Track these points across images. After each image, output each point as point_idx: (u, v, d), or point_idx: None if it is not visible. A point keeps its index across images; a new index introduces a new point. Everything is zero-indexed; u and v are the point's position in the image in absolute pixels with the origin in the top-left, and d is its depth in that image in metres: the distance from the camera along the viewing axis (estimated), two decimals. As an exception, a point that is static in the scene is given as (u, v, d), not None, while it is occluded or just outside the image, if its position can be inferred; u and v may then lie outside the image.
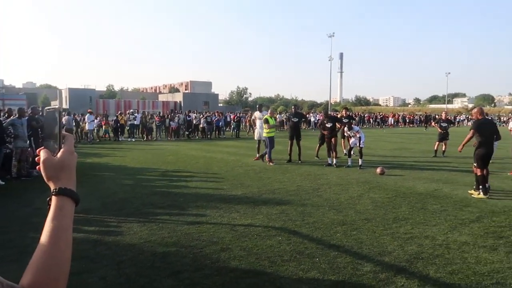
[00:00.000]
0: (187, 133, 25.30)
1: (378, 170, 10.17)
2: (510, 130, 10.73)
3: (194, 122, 25.51)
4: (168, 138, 23.89)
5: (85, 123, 22.20)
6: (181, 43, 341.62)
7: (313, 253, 4.57)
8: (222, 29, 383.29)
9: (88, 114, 22.56)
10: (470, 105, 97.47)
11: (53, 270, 0.84)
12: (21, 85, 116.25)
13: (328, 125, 12.01)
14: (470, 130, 7.76)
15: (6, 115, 10.85)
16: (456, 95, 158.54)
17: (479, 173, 7.62)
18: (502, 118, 47.73)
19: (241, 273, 4.04)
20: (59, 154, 0.95)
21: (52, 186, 0.93)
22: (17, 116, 10.19)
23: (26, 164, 9.89)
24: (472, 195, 7.57)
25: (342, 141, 14.10)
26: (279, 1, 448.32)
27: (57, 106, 0.98)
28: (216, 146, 19.05)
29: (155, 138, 23.80)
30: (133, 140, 23.36)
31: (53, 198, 0.92)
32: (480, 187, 7.58)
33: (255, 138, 13.53)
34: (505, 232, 5.36)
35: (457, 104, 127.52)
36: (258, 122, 13.34)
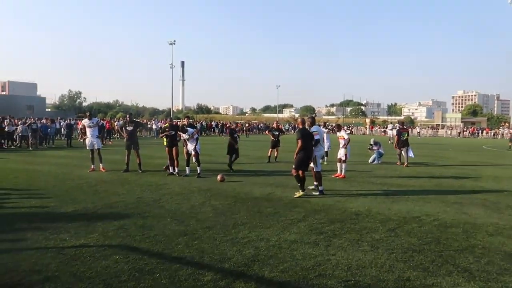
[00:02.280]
0: (2, 141, 21.53)
1: (219, 177, 10.53)
2: (339, 138, 12.18)
3: (6, 129, 21.70)
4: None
5: None
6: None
7: (153, 269, 4.38)
8: (51, 25, 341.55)
9: None
10: (297, 115, 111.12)
11: None
12: None
13: (170, 133, 11.85)
14: (297, 140, 8.60)
15: None
16: (285, 106, 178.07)
17: (301, 174, 8.58)
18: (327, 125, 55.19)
19: (70, 303, 3.58)
20: None
21: None
22: None
23: None
24: (295, 196, 8.53)
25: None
26: (116, 6, 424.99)
27: None
28: (43, 157, 16.76)
29: None
30: None
31: None
32: (299, 185, 8.61)
33: (87, 148, 12.51)
34: (325, 227, 6.16)
35: (286, 113, 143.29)
36: (88, 131, 12.43)
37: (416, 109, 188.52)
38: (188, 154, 11.74)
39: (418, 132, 60.17)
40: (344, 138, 11.96)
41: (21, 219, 6.38)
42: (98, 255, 4.79)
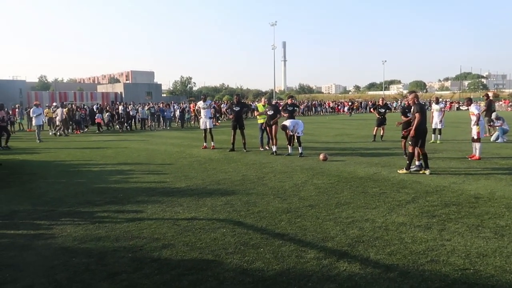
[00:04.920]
0: (126, 125, 24.46)
1: (321, 156, 10.38)
2: (472, 114, 10.74)
3: (131, 113, 24.69)
4: (100, 130, 23.40)
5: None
6: (120, 32, 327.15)
7: (257, 244, 4.52)
8: (163, 17, 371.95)
9: (34, 107, 19.55)
10: (405, 91, 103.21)
11: None
12: None
13: (269, 112, 12.02)
14: (416, 113, 8.17)
15: None
16: (392, 82, 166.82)
17: (411, 150, 8.30)
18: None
19: (183, 270, 3.88)
20: None
21: None
22: None
23: None
24: (398, 171, 8.37)
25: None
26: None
27: None
28: (160, 138, 18.48)
29: (83, 131, 23.27)
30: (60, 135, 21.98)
31: None
32: (408, 162, 8.35)
33: (201, 128, 13.62)
34: (438, 210, 5.66)
35: (393, 90, 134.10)
36: (202, 112, 13.48)
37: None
38: (290, 135, 11.81)
39: (553, 106, 50.48)
40: (474, 114, 10.31)
41: (143, 192, 7.13)
42: (207, 228, 5.11)
